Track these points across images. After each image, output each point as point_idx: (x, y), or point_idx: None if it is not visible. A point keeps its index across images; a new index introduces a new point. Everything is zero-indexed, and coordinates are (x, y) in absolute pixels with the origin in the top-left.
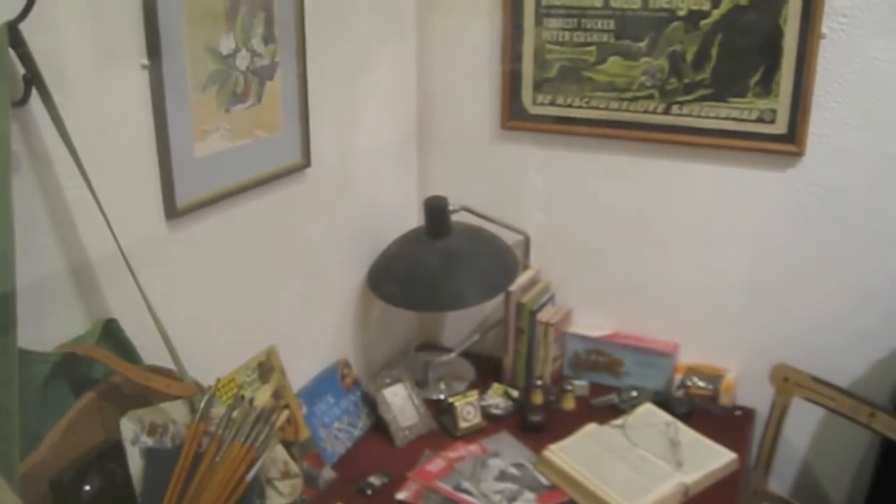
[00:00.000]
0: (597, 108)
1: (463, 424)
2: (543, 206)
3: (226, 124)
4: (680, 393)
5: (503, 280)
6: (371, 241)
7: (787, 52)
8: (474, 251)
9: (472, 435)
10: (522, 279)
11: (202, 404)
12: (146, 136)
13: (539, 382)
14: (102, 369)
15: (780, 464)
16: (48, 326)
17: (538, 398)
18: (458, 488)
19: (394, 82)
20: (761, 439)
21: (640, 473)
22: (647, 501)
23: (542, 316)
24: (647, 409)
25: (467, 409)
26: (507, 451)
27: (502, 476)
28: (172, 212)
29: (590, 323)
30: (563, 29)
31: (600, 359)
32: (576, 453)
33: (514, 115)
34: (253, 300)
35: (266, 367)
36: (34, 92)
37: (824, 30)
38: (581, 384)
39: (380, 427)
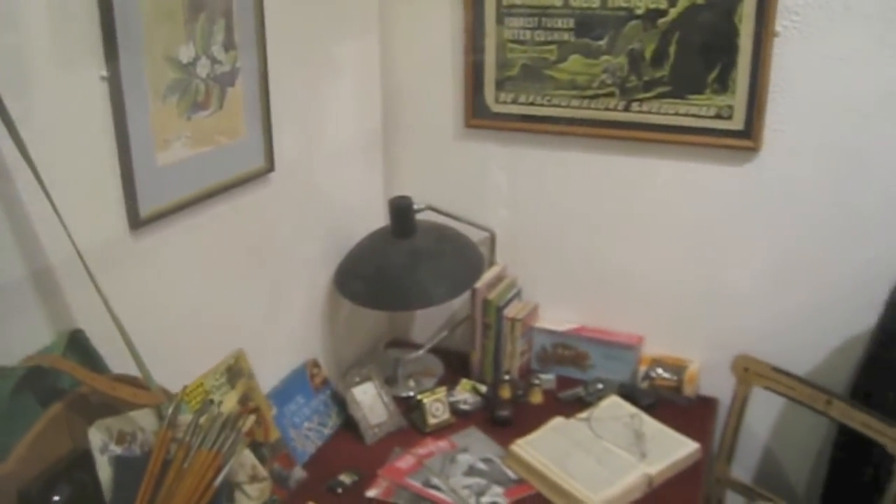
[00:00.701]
0: (558, 105)
1: (432, 421)
2: (508, 203)
3: (187, 132)
4: (645, 384)
5: (469, 277)
6: (338, 242)
7: (742, 49)
8: (440, 249)
9: (442, 431)
10: (488, 276)
11: (169, 412)
12: (107, 147)
13: (507, 377)
14: (69, 380)
15: (742, 452)
16: (14, 338)
17: (506, 393)
18: (428, 484)
19: (358, 81)
20: (724, 428)
21: (605, 466)
22: (612, 493)
23: (509, 311)
24: (613, 402)
25: (436, 406)
26: (476, 447)
27: (471, 471)
28: (136, 222)
29: (556, 317)
30: (524, 28)
31: (566, 352)
32: (542, 447)
33: (477, 114)
34: (220, 304)
35: (235, 371)
36: None
37: (778, 28)
38: (548, 378)
39: (350, 425)
